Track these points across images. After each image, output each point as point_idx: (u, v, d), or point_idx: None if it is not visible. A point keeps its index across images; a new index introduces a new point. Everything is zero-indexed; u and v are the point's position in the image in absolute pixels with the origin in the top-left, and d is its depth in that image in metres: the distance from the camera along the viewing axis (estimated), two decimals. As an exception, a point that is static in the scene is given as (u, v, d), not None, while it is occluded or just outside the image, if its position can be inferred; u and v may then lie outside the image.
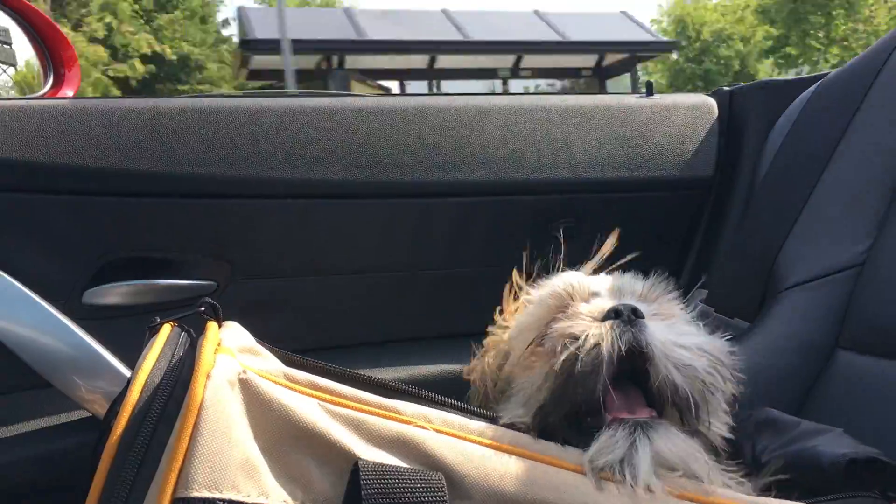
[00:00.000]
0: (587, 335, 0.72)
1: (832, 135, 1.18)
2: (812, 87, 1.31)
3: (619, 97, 1.45)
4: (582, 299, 0.81)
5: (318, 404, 0.65)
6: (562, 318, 0.78)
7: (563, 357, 0.72)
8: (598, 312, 0.76)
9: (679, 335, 0.75)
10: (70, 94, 1.48)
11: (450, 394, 0.75)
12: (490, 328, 0.90)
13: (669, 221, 1.46)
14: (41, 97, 1.44)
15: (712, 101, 1.46)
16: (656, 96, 1.45)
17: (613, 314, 0.74)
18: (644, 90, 1.49)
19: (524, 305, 0.87)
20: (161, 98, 1.29)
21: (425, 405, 0.69)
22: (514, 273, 0.91)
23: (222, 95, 1.32)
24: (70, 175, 1.14)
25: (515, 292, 0.90)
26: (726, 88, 1.49)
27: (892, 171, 1.09)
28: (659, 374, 0.71)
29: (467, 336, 0.95)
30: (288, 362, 0.70)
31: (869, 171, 1.12)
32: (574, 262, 0.91)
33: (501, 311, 0.90)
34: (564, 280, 0.85)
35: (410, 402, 0.69)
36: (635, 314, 0.73)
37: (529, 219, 1.36)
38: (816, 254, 1.12)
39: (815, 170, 1.17)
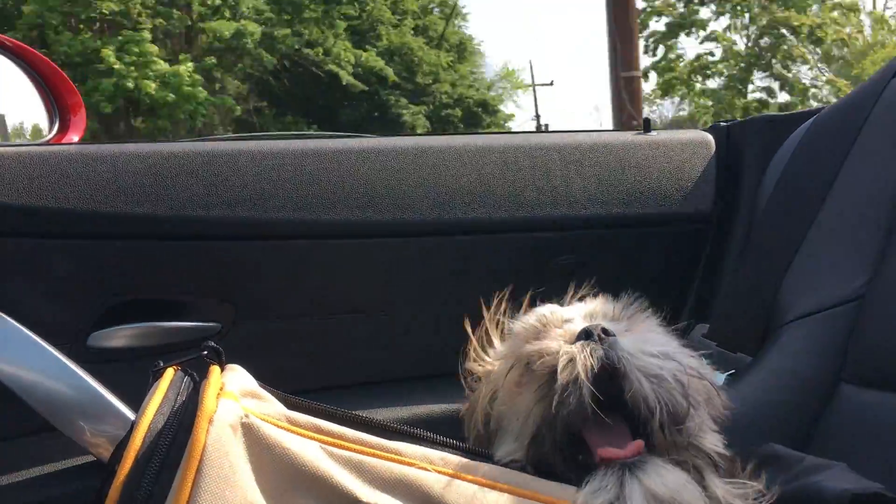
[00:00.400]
0: (561, 353, 0.73)
1: (830, 167, 1.18)
2: (809, 121, 1.31)
3: (616, 133, 1.47)
4: (555, 327, 0.82)
5: (320, 447, 0.66)
6: (536, 345, 0.79)
7: (543, 381, 0.73)
8: (570, 335, 0.77)
9: (646, 343, 0.75)
10: (75, 139, 1.50)
11: (451, 433, 0.76)
12: (471, 365, 0.90)
13: (670, 256, 1.46)
14: (46, 143, 1.46)
15: (709, 137, 1.47)
16: (653, 132, 1.46)
17: (584, 335, 0.75)
18: None
19: (503, 340, 0.88)
20: (164, 142, 1.31)
21: (426, 446, 0.69)
22: (493, 309, 0.92)
23: (224, 139, 1.34)
24: (75, 219, 1.15)
25: (498, 327, 0.91)
26: (723, 123, 1.51)
27: (889, 203, 1.09)
28: (632, 387, 0.71)
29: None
30: (289, 405, 0.71)
31: (867, 202, 1.12)
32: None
33: (481, 347, 0.90)
34: (537, 312, 0.86)
35: (411, 443, 0.69)
36: (605, 333, 0.74)
37: (529, 256, 1.36)
38: (816, 287, 1.11)
39: (813, 203, 1.18)
